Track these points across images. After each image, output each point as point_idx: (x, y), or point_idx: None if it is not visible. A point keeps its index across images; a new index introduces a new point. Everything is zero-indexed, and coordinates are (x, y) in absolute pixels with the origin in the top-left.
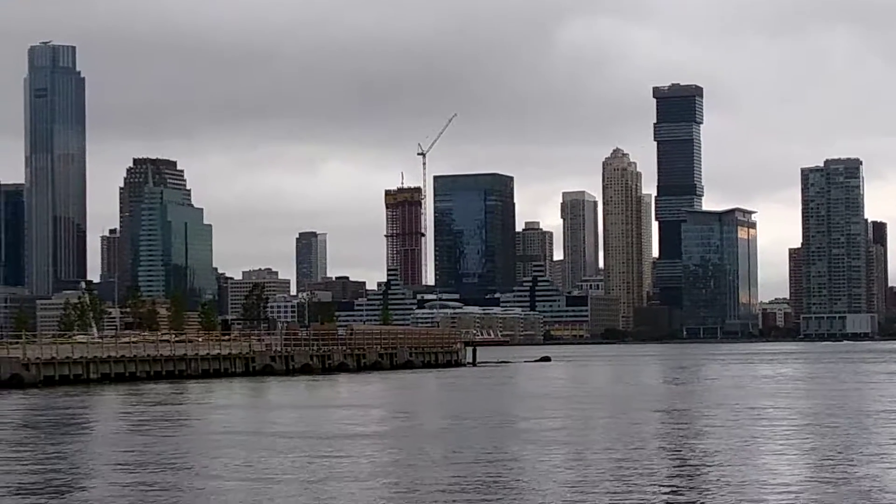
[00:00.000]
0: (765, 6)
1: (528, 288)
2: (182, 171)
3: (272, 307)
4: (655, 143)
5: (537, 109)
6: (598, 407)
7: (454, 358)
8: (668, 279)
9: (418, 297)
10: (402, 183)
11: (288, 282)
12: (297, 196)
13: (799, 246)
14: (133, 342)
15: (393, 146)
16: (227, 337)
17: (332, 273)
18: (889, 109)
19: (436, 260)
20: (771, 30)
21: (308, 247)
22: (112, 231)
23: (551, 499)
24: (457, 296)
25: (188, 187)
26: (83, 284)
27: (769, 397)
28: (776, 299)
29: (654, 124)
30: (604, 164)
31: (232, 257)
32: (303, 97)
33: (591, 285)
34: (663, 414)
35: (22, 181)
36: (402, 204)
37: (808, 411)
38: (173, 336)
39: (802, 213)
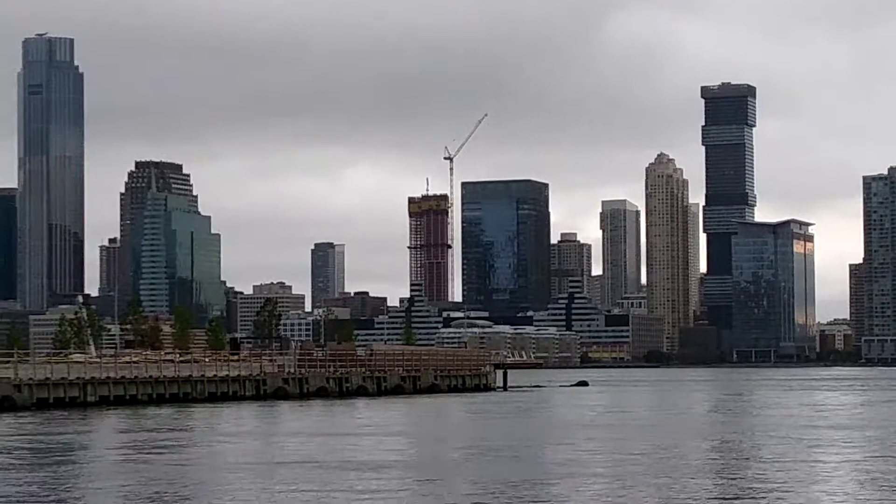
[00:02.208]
0: None
1: (563, 306)
2: (188, 175)
3: (285, 325)
4: (703, 147)
5: (574, 110)
6: (639, 437)
7: (483, 382)
8: (716, 297)
9: (444, 314)
10: (428, 190)
11: (302, 297)
12: (313, 203)
13: (861, 261)
14: (134, 362)
15: (418, 150)
16: (235, 357)
17: (351, 288)
18: None
19: (463, 274)
20: (833, 23)
21: (324, 259)
22: (112, 240)
23: None
24: (486, 314)
25: (195, 193)
26: (80, 299)
27: (827, 429)
28: (835, 320)
29: (703, 127)
30: (647, 170)
31: (242, 270)
32: (320, 96)
33: (632, 303)
34: (711, 446)
35: (14, 185)
36: (427, 213)
37: (868, 444)
38: (177, 356)
39: (864, 225)
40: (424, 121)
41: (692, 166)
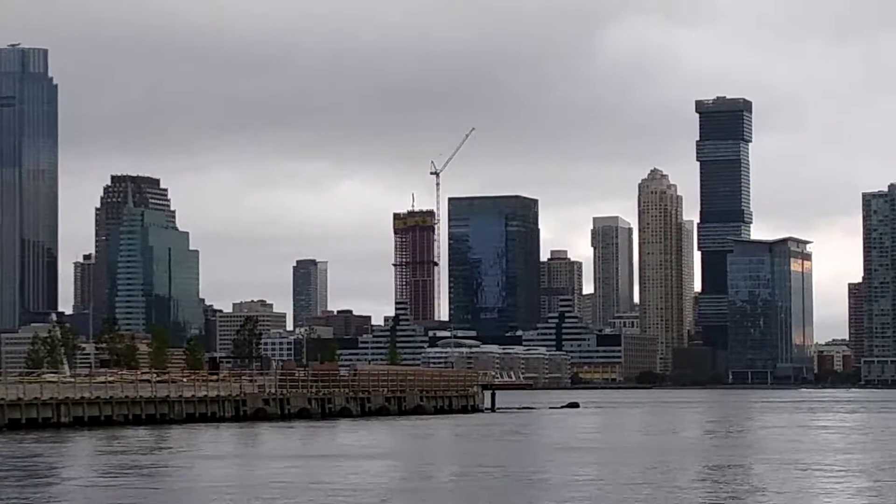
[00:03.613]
0: (826, 8)
1: (553, 325)
2: (165, 189)
3: (266, 344)
4: (698, 163)
5: (565, 125)
6: (631, 461)
7: (470, 403)
8: (711, 317)
9: (430, 334)
10: (413, 205)
11: (284, 315)
12: (295, 219)
13: (860, 280)
14: (109, 382)
15: (403, 164)
16: (214, 377)
17: (334, 306)
18: None
19: (450, 293)
20: (831, 36)
21: (306, 276)
22: (87, 257)
23: None
24: (473, 333)
25: (172, 208)
26: (54, 317)
27: (826, 452)
28: (834, 340)
29: (697, 142)
30: (640, 186)
31: (221, 287)
32: (302, 109)
33: (624, 323)
34: (705, 471)
35: None
36: (412, 229)
37: (868, 469)
38: (154, 375)
39: (864, 243)
40: (410, 134)
41: (686, 182)
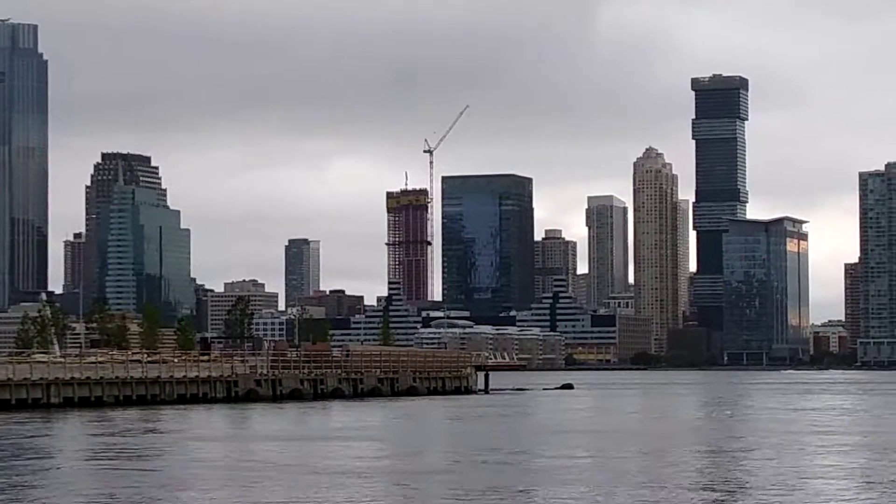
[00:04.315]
0: None
1: (547, 305)
2: (157, 168)
3: (258, 324)
4: (694, 141)
5: (560, 103)
6: (626, 444)
7: (464, 384)
8: (706, 297)
9: (423, 314)
10: (406, 184)
11: (276, 295)
12: (287, 198)
13: (856, 261)
14: (100, 362)
15: (396, 142)
16: (206, 358)
17: (326, 286)
18: None
19: (443, 272)
20: (829, 12)
21: (299, 256)
22: (77, 236)
23: None
24: (467, 313)
25: (163, 186)
26: (43, 296)
27: (821, 434)
28: (830, 321)
29: (693, 120)
30: (635, 165)
31: (213, 267)
32: (295, 87)
33: (619, 303)
34: (700, 453)
35: None
36: (405, 208)
37: (863, 450)
38: (145, 356)
39: (860, 223)
40: (403, 112)
41: (682, 161)
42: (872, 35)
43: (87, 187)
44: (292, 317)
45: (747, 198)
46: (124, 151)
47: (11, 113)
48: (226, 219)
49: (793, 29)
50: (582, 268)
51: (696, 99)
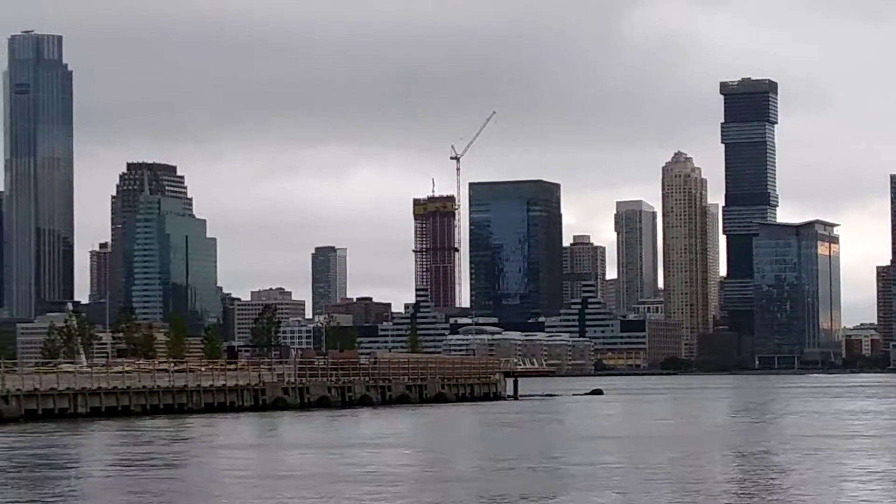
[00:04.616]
0: None
1: (576, 311)
2: (182, 177)
3: (285, 332)
4: (723, 145)
5: (588, 108)
6: (657, 449)
7: (492, 391)
8: (737, 301)
9: (451, 321)
10: (434, 191)
11: (303, 303)
12: (313, 205)
13: (888, 263)
14: (126, 372)
15: (423, 149)
16: (233, 366)
17: (353, 293)
18: None
19: (471, 279)
20: (858, 14)
21: (326, 263)
22: (103, 245)
23: None
24: (495, 320)
25: (189, 196)
26: (70, 306)
27: (858, 438)
28: (862, 324)
29: (722, 124)
30: (664, 169)
31: (239, 275)
32: (321, 94)
33: (648, 308)
34: (733, 458)
35: (1, 188)
36: (432, 215)
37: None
38: (172, 365)
39: (892, 225)
40: (430, 118)
41: (711, 165)
42: None
43: (112, 197)
44: (319, 325)
45: (777, 201)
46: (150, 161)
47: (37, 124)
48: (252, 227)
49: (820, 31)
50: (611, 273)
51: (724, 103)
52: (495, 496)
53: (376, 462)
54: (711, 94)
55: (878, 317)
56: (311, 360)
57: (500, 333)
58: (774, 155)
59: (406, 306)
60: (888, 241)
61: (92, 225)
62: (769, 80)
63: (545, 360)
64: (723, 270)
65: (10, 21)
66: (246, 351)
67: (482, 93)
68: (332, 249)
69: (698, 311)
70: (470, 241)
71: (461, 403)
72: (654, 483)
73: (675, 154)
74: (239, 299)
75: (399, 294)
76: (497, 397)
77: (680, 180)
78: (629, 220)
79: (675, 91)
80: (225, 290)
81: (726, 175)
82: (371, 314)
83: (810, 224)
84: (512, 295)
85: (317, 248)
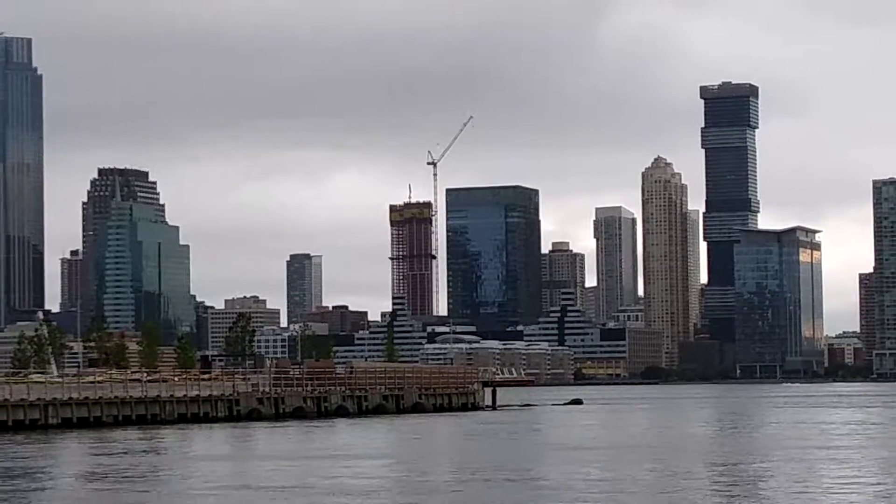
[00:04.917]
0: None
1: (555, 319)
2: (154, 183)
3: (259, 341)
4: (703, 150)
5: (566, 112)
6: (637, 460)
7: (470, 400)
8: (718, 309)
9: (428, 329)
10: (410, 197)
11: (278, 312)
12: (288, 212)
13: (871, 271)
14: (98, 382)
15: (399, 154)
16: (206, 376)
17: (329, 302)
18: None
19: (449, 286)
20: (839, 18)
21: (301, 271)
22: (73, 253)
23: None
24: (473, 328)
25: (161, 202)
26: (40, 315)
27: (839, 449)
28: (844, 333)
29: (702, 129)
30: (643, 175)
31: (213, 283)
32: (296, 98)
33: (629, 316)
34: (714, 469)
35: None
36: (409, 221)
37: (883, 465)
38: (145, 375)
39: (875, 232)
40: (406, 123)
41: (691, 171)
42: (883, 41)
43: (83, 204)
44: (294, 333)
45: (759, 207)
46: (121, 166)
47: (6, 128)
48: (226, 234)
49: (802, 35)
50: (590, 280)
51: (705, 107)
52: None
53: (352, 474)
54: (691, 98)
55: (861, 325)
56: (287, 370)
57: (478, 342)
58: (755, 160)
59: (383, 314)
60: (871, 248)
61: (63, 232)
62: (750, 84)
63: (524, 370)
64: (703, 278)
65: None
66: (220, 360)
67: (459, 97)
68: (308, 257)
69: (679, 319)
70: (447, 248)
71: (439, 414)
72: (632, 494)
73: (655, 159)
74: (213, 308)
75: (375, 302)
76: (475, 407)
77: (660, 186)
78: (608, 226)
79: (655, 95)
80: (198, 299)
81: (707, 180)
82: (347, 323)
83: (792, 230)
84: (490, 303)
85: (292, 256)
